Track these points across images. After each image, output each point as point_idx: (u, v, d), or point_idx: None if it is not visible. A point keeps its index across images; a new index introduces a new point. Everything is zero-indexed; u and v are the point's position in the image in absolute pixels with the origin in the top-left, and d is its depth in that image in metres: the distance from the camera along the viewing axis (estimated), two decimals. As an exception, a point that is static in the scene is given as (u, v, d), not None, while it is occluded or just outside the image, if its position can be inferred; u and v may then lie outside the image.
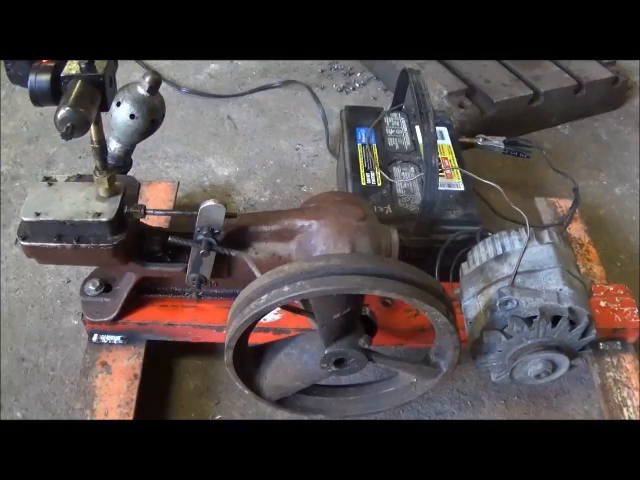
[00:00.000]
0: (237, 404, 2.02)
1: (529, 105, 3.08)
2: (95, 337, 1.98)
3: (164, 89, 1.63)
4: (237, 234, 1.78)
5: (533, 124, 3.17)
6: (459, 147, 2.40)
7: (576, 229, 2.47)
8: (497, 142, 2.46)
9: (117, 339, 1.98)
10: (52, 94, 1.50)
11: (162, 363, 2.09)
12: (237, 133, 3.04)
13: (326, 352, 1.62)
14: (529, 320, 1.67)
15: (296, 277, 1.42)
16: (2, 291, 2.29)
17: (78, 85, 1.48)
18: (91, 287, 1.93)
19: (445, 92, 2.96)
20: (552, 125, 3.25)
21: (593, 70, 3.25)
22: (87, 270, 2.00)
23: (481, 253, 1.84)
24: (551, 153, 2.83)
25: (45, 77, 1.49)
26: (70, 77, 1.49)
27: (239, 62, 3.47)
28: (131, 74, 3.19)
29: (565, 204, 2.55)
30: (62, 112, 1.42)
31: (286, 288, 1.42)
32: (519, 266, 1.72)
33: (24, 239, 1.67)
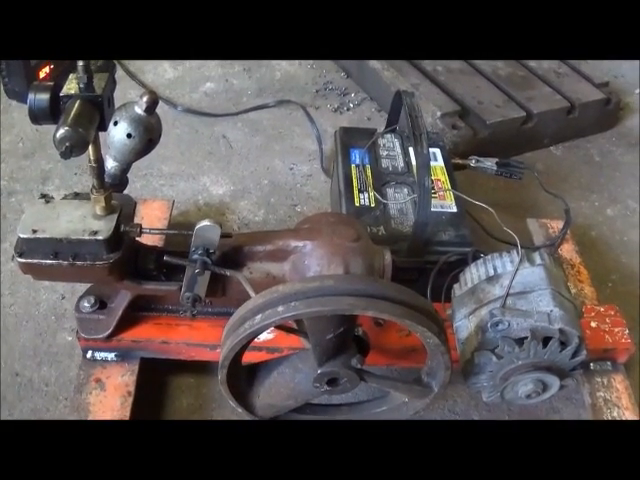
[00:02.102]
0: (230, 421, 2.02)
1: (522, 126, 3.09)
2: (89, 354, 1.99)
3: (160, 107, 1.65)
4: (232, 254, 1.79)
5: (526, 145, 3.19)
6: (452, 168, 2.41)
7: (567, 250, 2.49)
8: (489, 164, 2.48)
9: (111, 356, 1.99)
10: (51, 113, 1.51)
11: (156, 380, 2.10)
12: (232, 152, 3.05)
13: (319, 371, 1.63)
14: (520, 341, 1.68)
15: (290, 297, 1.44)
16: (-4, 306, 2.29)
17: (77, 105, 1.50)
18: (86, 304, 1.93)
19: (439, 113, 2.98)
20: (545, 146, 3.26)
21: (585, 91, 3.28)
22: (82, 287, 2.00)
23: (473, 274, 1.85)
24: (543, 174, 2.85)
25: (44, 96, 1.50)
26: (69, 96, 1.51)
27: (234, 81, 3.49)
28: (127, 92, 3.21)
29: (557, 225, 2.57)
30: (61, 132, 1.43)
31: (280, 308, 1.43)
32: (510, 287, 1.73)
33: (21, 255, 1.68)
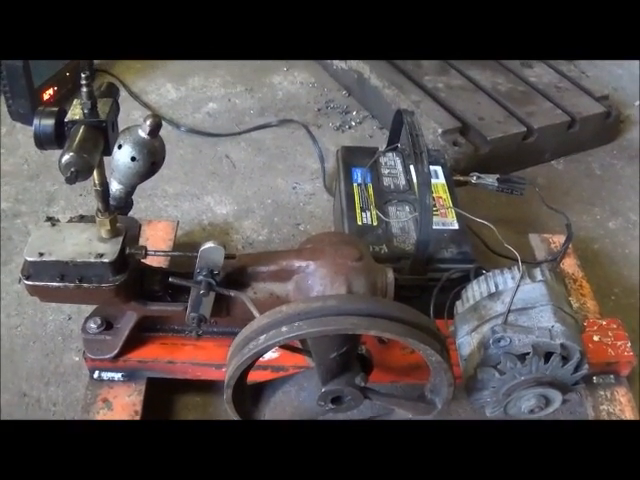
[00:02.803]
0: (236, 440, 2.03)
1: (523, 142, 3.10)
2: (96, 374, 2.00)
3: (163, 128, 1.66)
4: (236, 274, 1.81)
5: (527, 160, 3.20)
6: (453, 185, 2.42)
7: (569, 264, 2.50)
8: (491, 180, 2.50)
9: (118, 376, 2.00)
10: (56, 138, 1.52)
11: (162, 399, 2.10)
12: (235, 172, 3.06)
13: (323, 390, 1.65)
14: (522, 357, 1.69)
15: (294, 318, 1.45)
16: (3, 327, 2.30)
17: (81, 130, 1.51)
18: (92, 325, 1.95)
19: (440, 130, 2.99)
20: (546, 161, 3.27)
21: (586, 105, 3.29)
22: (88, 307, 2.02)
23: (475, 291, 1.86)
24: (545, 189, 2.86)
25: (49, 122, 1.52)
26: (74, 122, 1.53)
27: (237, 101, 3.51)
28: (130, 113, 3.24)
29: (559, 240, 2.58)
30: (66, 157, 1.45)
31: (284, 328, 1.45)
32: (512, 304, 1.74)
33: (27, 278, 1.69)
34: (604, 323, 2.21)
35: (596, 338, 2.15)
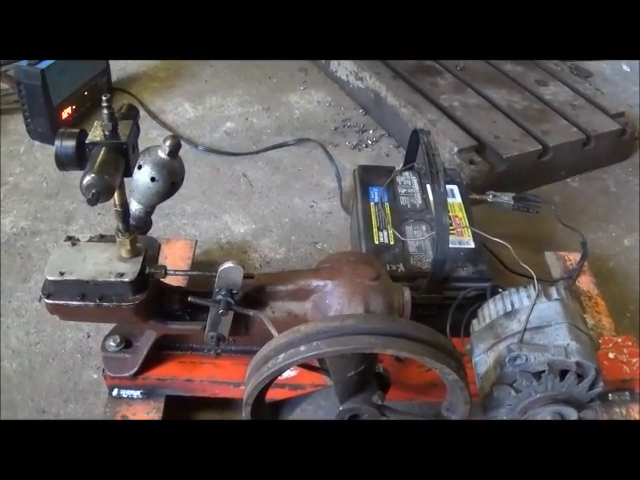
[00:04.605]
0: (254, 457, 2.03)
1: (539, 160, 3.11)
2: (115, 391, 2.01)
3: (181, 147, 1.69)
4: (254, 294, 1.82)
5: (543, 178, 3.20)
6: (470, 204, 2.43)
7: (585, 282, 2.50)
8: (506, 198, 2.50)
9: (137, 394, 2.01)
10: (77, 160, 1.54)
11: (181, 417, 2.11)
12: (253, 191, 3.07)
13: (341, 408, 1.66)
14: (538, 375, 1.70)
15: (312, 337, 1.47)
16: (22, 344, 2.32)
17: (102, 152, 1.52)
18: (112, 343, 1.97)
19: (456, 149, 3.00)
20: (561, 178, 3.27)
21: (601, 122, 3.29)
22: (107, 325, 2.03)
23: (491, 310, 1.87)
24: (561, 206, 2.87)
25: (70, 143, 1.54)
26: (94, 144, 1.54)
27: (254, 120, 3.53)
28: (149, 132, 3.27)
29: (574, 257, 2.58)
30: (88, 179, 1.46)
31: (302, 348, 1.46)
32: (528, 322, 1.75)
33: (48, 297, 1.71)
34: (619, 340, 2.20)
35: (611, 355, 2.15)
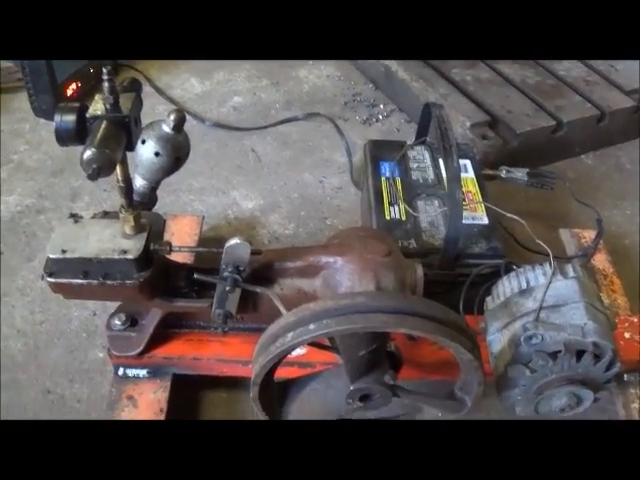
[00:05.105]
0: (263, 437, 2.01)
1: (552, 135, 3.07)
2: (121, 371, 1.98)
3: (188, 122, 1.65)
4: (262, 270, 1.79)
5: (556, 154, 3.17)
6: (483, 180, 2.39)
7: (600, 260, 2.46)
8: (520, 174, 2.47)
9: (143, 373, 1.98)
10: (77, 134, 1.50)
11: (188, 396, 2.09)
12: (261, 166, 3.05)
13: (352, 388, 1.61)
14: (553, 354, 1.66)
15: (321, 315, 1.42)
16: (27, 324, 2.30)
17: (104, 126, 1.48)
18: (117, 322, 1.93)
19: (468, 124, 2.96)
20: (575, 155, 3.24)
21: (615, 99, 3.25)
22: (112, 303, 2.00)
23: (505, 287, 1.83)
24: (575, 183, 2.82)
25: (70, 118, 1.49)
26: (95, 117, 1.50)
27: (262, 95, 3.49)
28: (155, 107, 3.23)
29: (589, 235, 2.55)
30: (88, 153, 1.42)
31: (312, 326, 1.42)
32: (543, 301, 1.71)
33: (50, 275, 1.67)
34: (635, 320, 2.16)
35: (627, 335, 2.11)
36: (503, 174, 2.47)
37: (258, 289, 1.73)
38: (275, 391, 1.72)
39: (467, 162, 2.44)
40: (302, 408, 1.73)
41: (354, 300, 1.44)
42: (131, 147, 1.57)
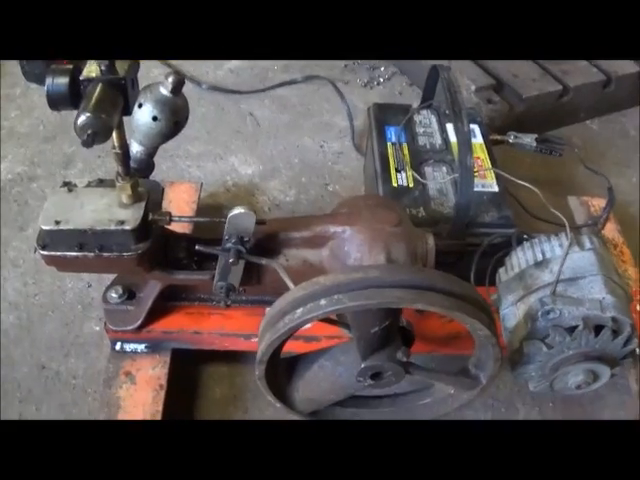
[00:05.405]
0: (266, 413, 1.96)
1: (558, 100, 3.02)
2: (118, 346, 1.92)
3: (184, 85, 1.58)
4: (267, 241, 1.72)
5: (561, 120, 3.12)
6: (491, 145, 2.32)
7: (610, 230, 2.39)
8: (529, 140, 2.40)
9: (141, 347, 1.92)
10: (71, 98, 1.41)
11: (187, 370, 2.04)
12: (260, 130, 2.99)
13: (363, 366, 1.55)
14: (571, 330, 1.61)
15: (333, 290, 1.36)
16: (20, 296, 2.24)
17: (99, 89, 1.40)
18: (114, 295, 1.87)
19: (473, 87, 2.91)
20: (580, 120, 3.19)
21: (621, 64, 3.20)
22: (109, 275, 1.93)
23: (520, 259, 1.78)
24: (580, 149, 2.77)
25: (63, 80, 1.41)
26: (90, 80, 1.41)
27: (260, 57, 3.42)
28: (150, 71, 3.14)
29: (598, 203, 2.49)
30: (82, 118, 1.34)
31: (323, 302, 1.35)
32: (560, 273, 1.66)
33: (44, 248, 1.60)
34: (647, 292, 2.11)
35: (639, 308, 2.04)
36: (511, 139, 2.40)
37: (263, 261, 1.67)
38: (282, 368, 1.66)
39: (475, 127, 2.36)
40: (310, 385, 1.67)
41: (367, 274, 1.37)
42: (128, 111, 1.48)
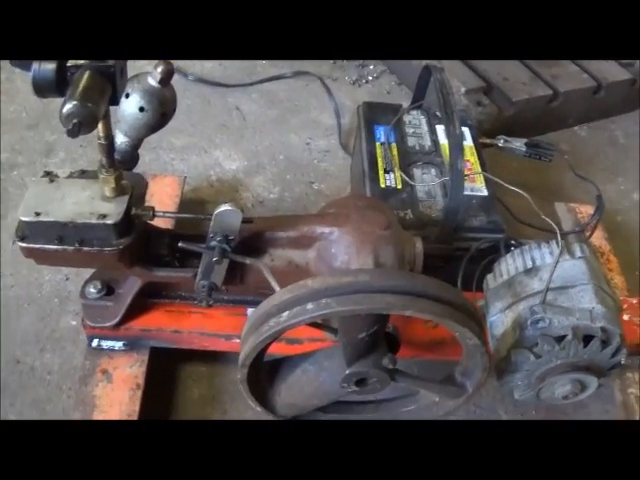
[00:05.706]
0: (245, 415, 1.94)
1: (548, 105, 3.02)
2: (95, 342, 1.88)
3: (170, 75, 1.55)
4: (252, 239, 1.69)
5: (550, 125, 3.12)
6: (481, 149, 2.30)
7: (597, 237, 2.38)
8: (518, 144, 2.37)
9: (119, 345, 1.88)
10: (57, 85, 1.36)
11: (165, 369, 2.01)
12: (245, 125, 2.97)
13: (348, 372, 1.52)
14: (559, 339, 1.60)
15: (321, 293, 1.32)
16: (-4, 287, 2.20)
17: (86, 76, 1.35)
18: (92, 290, 1.82)
19: (463, 89, 2.90)
20: (569, 126, 3.20)
21: (612, 71, 3.22)
22: (88, 269, 1.89)
23: (509, 265, 1.76)
24: (569, 156, 2.74)
25: (50, 66, 1.35)
26: (77, 67, 1.37)
27: (248, 50, 3.40)
28: (135, 60, 3.10)
29: (586, 210, 2.49)
30: (68, 107, 1.30)
31: (310, 306, 1.31)
32: (550, 282, 1.65)
33: (22, 240, 1.56)
34: (634, 302, 2.11)
35: (626, 317, 2.03)
36: (501, 143, 2.37)
37: (248, 260, 1.63)
38: (264, 372, 1.62)
39: (466, 130, 2.34)
40: (292, 390, 1.64)
41: (357, 278, 1.33)
42: (116, 100, 1.45)
